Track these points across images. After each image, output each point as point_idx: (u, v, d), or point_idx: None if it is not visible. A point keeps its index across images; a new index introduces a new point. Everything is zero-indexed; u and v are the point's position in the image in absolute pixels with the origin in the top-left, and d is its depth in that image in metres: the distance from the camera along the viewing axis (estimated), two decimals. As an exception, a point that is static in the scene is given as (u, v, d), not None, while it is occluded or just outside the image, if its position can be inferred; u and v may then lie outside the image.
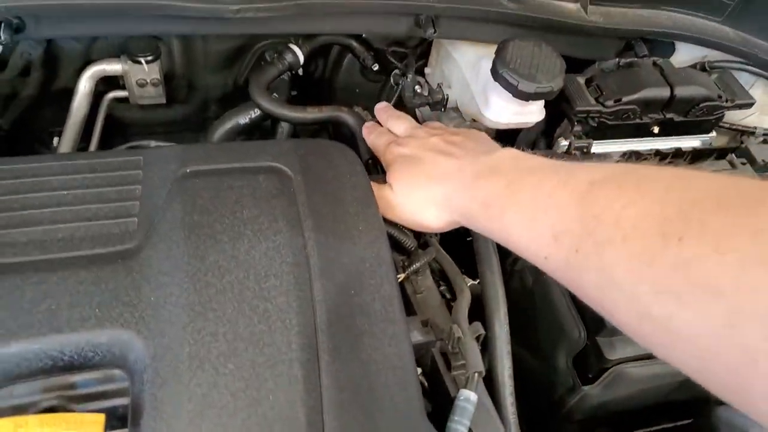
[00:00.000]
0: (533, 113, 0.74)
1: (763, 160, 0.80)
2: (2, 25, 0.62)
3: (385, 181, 0.67)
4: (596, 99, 0.76)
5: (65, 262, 0.51)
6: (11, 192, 0.54)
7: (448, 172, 0.61)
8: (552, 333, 0.69)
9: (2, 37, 0.62)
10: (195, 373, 0.46)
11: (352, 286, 0.53)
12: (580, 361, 0.67)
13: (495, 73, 0.69)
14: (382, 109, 0.79)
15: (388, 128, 0.75)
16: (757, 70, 0.85)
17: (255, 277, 0.51)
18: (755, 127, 0.88)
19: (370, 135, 0.76)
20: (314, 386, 0.48)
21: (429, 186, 0.62)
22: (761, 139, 0.88)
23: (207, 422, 0.45)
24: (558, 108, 0.78)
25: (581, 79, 0.78)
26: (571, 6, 0.79)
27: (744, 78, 0.88)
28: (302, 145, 0.62)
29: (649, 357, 0.64)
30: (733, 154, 0.82)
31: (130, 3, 0.62)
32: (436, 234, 0.74)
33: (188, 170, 0.57)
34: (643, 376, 0.65)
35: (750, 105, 0.82)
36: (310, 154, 0.61)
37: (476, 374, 0.54)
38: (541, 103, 0.74)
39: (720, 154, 0.84)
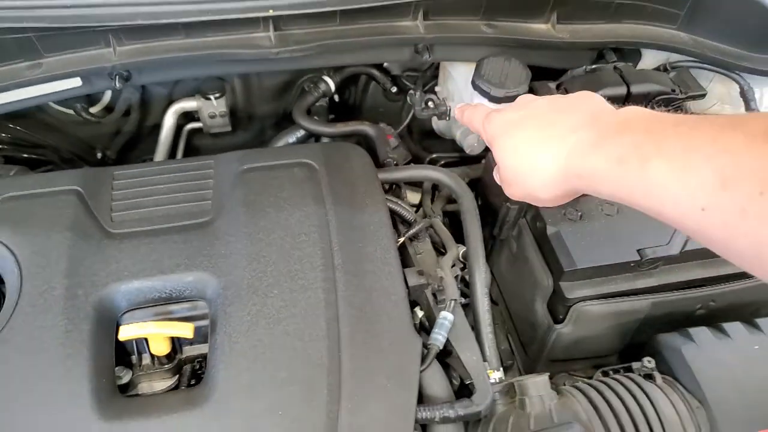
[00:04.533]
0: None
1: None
2: (117, 76, 0.88)
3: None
4: (563, 99, 0.94)
5: (164, 230, 0.74)
6: (128, 187, 0.79)
7: (562, 133, 0.54)
8: (530, 284, 0.86)
9: (117, 85, 0.88)
10: (251, 297, 0.68)
11: (360, 240, 0.74)
12: (551, 305, 0.84)
13: (473, 84, 0.89)
14: (459, 108, 0.72)
15: (466, 121, 0.69)
16: (710, 66, 1.00)
17: (291, 234, 0.73)
18: (716, 114, 1.03)
19: (464, 113, 0.69)
20: (332, 305, 0.68)
21: (539, 150, 0.55)
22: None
23: (259, 328, 0.66)
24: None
25: (552, 84, 0.96)
26: (542, 26, 0.98)
27: (704, 74, 1.03)
28: (327, 147, 0.85)
29: (604, 296, 0.81)
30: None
31: (202, 54, 0.87)
32: (435, 213, 0.94)
33: (245, 167, 0.80)
34: (602, 313, 0.81)
35: (702, 96, 0.97)
36: (332, 152, 0.84)
37: (452, 301, 0.73)
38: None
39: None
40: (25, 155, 1.19)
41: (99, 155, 1.27)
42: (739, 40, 0.97)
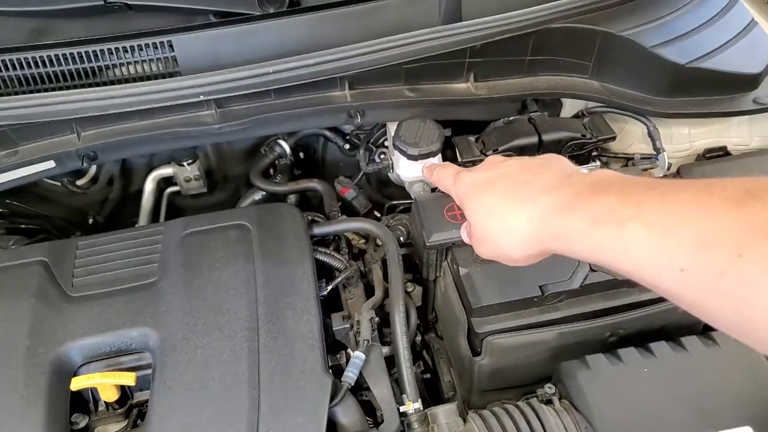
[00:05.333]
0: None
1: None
2: (84, 157, 1.02)
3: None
4: (481, 151, 1.04)
5: (115, 292, 0.86)
6: (89, 255, 0.91)
7: (535, 193, 0.55)
8: (453, 321, 0.94)
9: (85, 165, 1.02)
10: (183, 347, 0.79)
11: (283, 291, 0.84)
12: (469, 340, 0.92)
13: (394, 145, 1.00)
14: (428, 168, 0.75)
15: (434, 181, 0.73)
16: (619, 111, 1.09)
17: (221, 290, 0.84)
18: (635, 154, 1.11)
19: (432, 172, 0.71)
20: (254, 352, 0.78)
21: (513, 210, 0.56)
22: (641, 162, 1.10)
23: (189, 374, 0.77)
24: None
25: (472, 138, 1.07)
26: (461, 86, 1.09)
27: (622, 117, 1.12)
28: (261, 209, 0.96)
29: (512, 329, 0.88)
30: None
31: (154, 133, 1.00)
32: (374, 260, 1.04)
33: (187, 231, 0.92)
34: (512, 345, 0.88)
35: (612, 138, 1.06)
36: (266, 213, 0.95)
37: (365, 341, 0.82)
38: (435, 159, 1.03)
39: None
40: (23, 226, 1.33)
41: (90, 221, 1.41)
42: (641, 86, 1.06)
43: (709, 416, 0.75)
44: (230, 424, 0.73)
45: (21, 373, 0.77)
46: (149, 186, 1.36)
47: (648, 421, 0.76)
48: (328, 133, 1.28)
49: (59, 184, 1.32)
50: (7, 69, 0.94)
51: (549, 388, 0.83)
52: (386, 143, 1.30)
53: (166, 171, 1.35)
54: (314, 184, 1.17)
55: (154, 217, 1.40)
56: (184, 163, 1.33)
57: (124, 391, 0.82)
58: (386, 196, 1.42)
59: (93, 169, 1.33)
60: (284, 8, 1.01)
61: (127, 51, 0.93)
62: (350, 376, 0.79)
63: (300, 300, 0.84)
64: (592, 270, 0.88)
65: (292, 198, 1.32)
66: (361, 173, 1.32)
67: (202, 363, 0.78)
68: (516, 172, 0.60)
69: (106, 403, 0.81)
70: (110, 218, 1.43)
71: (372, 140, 1.26)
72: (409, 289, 1.05)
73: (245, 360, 0.78)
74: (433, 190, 1.21)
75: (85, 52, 0.93)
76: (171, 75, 0.96)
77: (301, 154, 1.40)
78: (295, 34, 0.98)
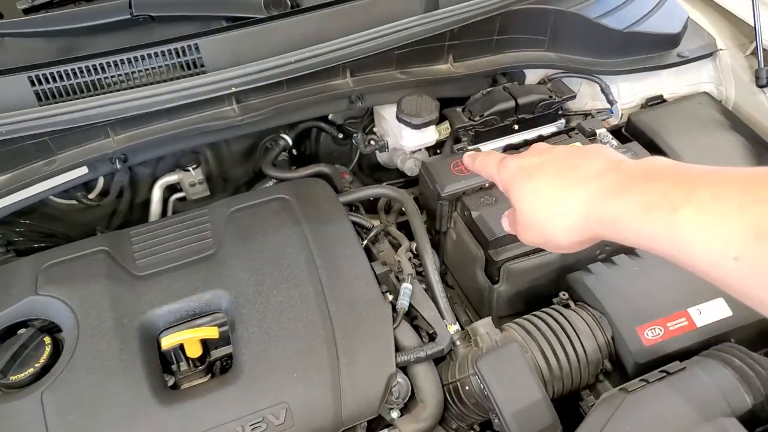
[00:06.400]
0: (429, 136, 1.20)
1: (590, 128, 1.22)
2: (116, 160, 1.11)
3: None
4: (468, 118, 1.21)
5: (180, 266, 0.96)
6: (144, 240, 1.00)
7: (585, 177, 0.54)
8: (470, 259, 1.10)
9: (118, 166, 1.11)
10: (257, 299, 0.90)
11: (333, 245, 0.97)
12: (487, 271, 1.08)
13: (398, 118, 1.15)
14: (467, 156, 0.73)
15: (476, 169, 0.70)
16: (575, 75, 1.29)
17: (279, 249, 0.96)
18: (591, 110, 1.31)
19: (474, 160, 0.70)
20: (320, 293, 0.91)
21: (561, 194, 0.55)
22: (598, 115, 1.30)
23: (267, 319, 0.88)
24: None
25: (459, 109, 1.24)
26: (443, 66, 1.26)
27: (575, 80, 1.32)
28: (296, 183, 1.09)
29: (524, 255, 1.05)
30: (575, 131, 1.25)
31: (182, 130, 1.10)
32: (390, 222, 1.18)
33: (233, 209, 1.03)
34: (525, 268, 1.05)
35: (573, 97, 1.25)
36: (301, 187, 1.08)
37: (409, 275, 0.96)
38: (432, 128, 1.19)
39: (568, 132, 1.27)
40: (36, 245, 1.38)
41: (99, 234, 1.47)
42: (589, 52, 1.27)
43: (689, 295, 0.94)
44: (313, 356, 0.85)
45: (114, 341, 0.86)
46: (156, 194, 1.44)
47: (644, 304, 0.94)
48: (324, 125, 1.42)
49: (72, 201, 1.38)
50: (40, 83, 1.03)
51: (563, 295, 1.00)
52: (375, 129, 1.45)
53: (173, 178, 1.44)
54: (322, 167, 1.30)
55: (160, 224, 1.48)
56: (190, 168, 1.43)
57: (204, 349, 0.91)
58: (376, 179, 1.57)
59: (101, 182, 1.40)
60: (287, 10, 1.15)
61: (157, 56, 1.04)
62: (403, 303, 0.93)
63: (348, 249, 0.97)
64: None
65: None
66: (356, 159, 1.47)
67: (276, 309, 0.89)
68: (564, 158, 0.58)
69: (189, 359, 0.91)
70: (117, 230, 1.50)
71: (364, 127, 1.41)
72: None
73: (314, 301, 0.90)
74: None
75: (120, 60, 1.03)
76: (198, 75, 1.07)
77: (294, 151, 1.53)
78: (300, 31, 1.12)
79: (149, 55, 1.04)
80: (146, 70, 1.05)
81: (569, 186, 0.54)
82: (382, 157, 1.51)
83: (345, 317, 0.89)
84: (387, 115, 1.31)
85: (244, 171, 1.53)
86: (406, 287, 0.94)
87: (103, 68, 1.03)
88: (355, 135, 1.38)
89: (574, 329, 0.92)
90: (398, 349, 0.89)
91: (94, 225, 1.47)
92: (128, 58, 1.03)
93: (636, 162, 0.53)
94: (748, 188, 0.43)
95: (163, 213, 1.48)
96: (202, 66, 1.07)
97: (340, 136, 1.45)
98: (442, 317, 0.97)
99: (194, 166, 1.43)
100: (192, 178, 1.44)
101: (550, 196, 0.56)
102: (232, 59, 1.08)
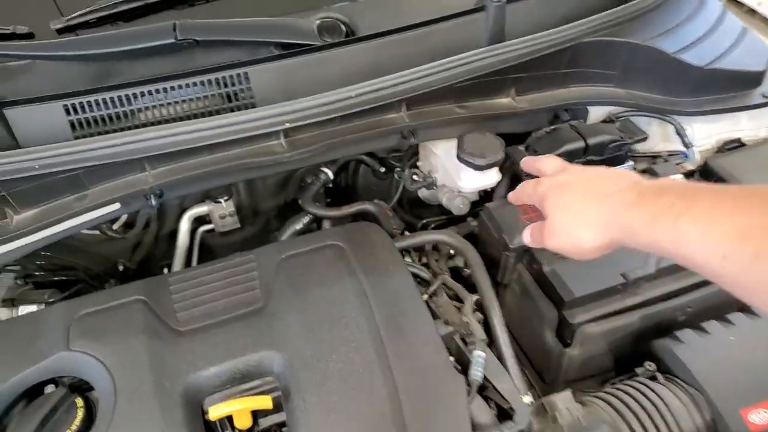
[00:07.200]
0: (491, 178, 1.10)
1: (664, 173, 1.13)
2: (152, 196, 1.01)
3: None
4: (534, 158, 1.11)
5: (226, 321, 0.86)
6: (184, 289, 0.90)
7: (608, 192, 0.65)
8: (537, 318, 1.00)
9: (153, 203, 1.01)
10: (315, 363, 0.80)
11: (394, 301, 0.87)
12: (559, 332, 0.98)
13: (459, 158, 1.06)
14: (527, 159, 0.84)
15: (538, 168, 0.80)
16: (646, 113, 1.20)
17: (335, 305, 0.86)
18: (661, 152, 1.22)
19: (514, 193, 0.82)
20: (384, 359, 0.81)
21: (587, 206, 0.66)
22: (670, 159, 1.21)
23: (328, 388, 0.78)
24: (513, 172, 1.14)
25: (522, 147, 1.14)
26: (504, 100, 1.17)
27: (643, 120, 1.23)
28: (347, 229, 0.99)
29: (602, 317, 0.95)
30: (646, 175, 1.16)
31: (225, 166, 1.01)
32: (443, 270, 1.08)
33: (283, 256, 0.93)
34: (602, 331, 0.95)
35: (645, 138, 1.16)
36: (355, 232, 0.98)
37: (482, 341, 0.86)
38: (495, 169, 1.10)
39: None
40: (56, 278, 1.28)
41: (121, 268, 1.37)
42: (663, 89, 1.17)
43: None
44: (378, 432, 0.75)
45: (155, 407, 0.76)
46: (184, 226, 1.35)
47: (747, 382, 0.83)
48: (365, 158, 1.33)
49: (95, 231, 1.28)
50: (75, 112, 0.94)
51: (650, 366, 0.89)
52: (419, 163, 1.36)
53: (202, 209, 1.34)
54: (367, 206, 1.20)
55: (187, 258, 1.38)
56: (221, 200, 1.33)
57: (253, 419, 0.81)
58: (416, 216, 1.47)
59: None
60: (342, 38, 1.06)
61: (203, 84, 0.95)
62: (477, 374, 0.83)
63: (411, 307, 0.87)
64: (660, 255, 0.97)
65: (326, 225, 1.35)
66: (398, 194, 1.37)
67: (337, 377, 0.79)
68: (593, 177, 0.70)
69: (235, 429, 0.80)
70: (141, 263, 1.40)
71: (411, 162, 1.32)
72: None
73: (377, 368, 0.80)
74: (474, 204, 1.28)
75: (163, 88, 0.94)
76: (246, 107, 0.98)
77: (330, 184, 1.44)
78: (358, 61, 1.03)
79: (194, 83, 0.95)
80: (190, 99, 0.96)
81: (595, 198, 0.66)
82: (423, 193, 1.42)
83: (413, 390, 0.78)
84: (438, 151, 1.22)
85: (276, 203, 1.44)
86: (479, 356, 0.84)
87: (143, 95, 0.94)
88: (399, 170, 1.28)
89: (668, 409, 0.82)
90: (472, 428, 0.79)
91: (116, 257, 1.38)
92: (171, 86, 0.94)
93: (651, 182, 0.64)
94: (736, 201, 0.53)
95: (189, 246, 1.38)
96: (252, 97, 0.98)
97: (382, 170, 1.36)
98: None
99: (226, 198, 1.33)
100: (223, 210, 1.35)
101: (579, 207, 0.67)
102: (284, 91, 0.99)
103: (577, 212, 0.67)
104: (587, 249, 0.67)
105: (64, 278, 1.29)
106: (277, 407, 0.81)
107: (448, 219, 1.41)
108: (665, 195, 0.59)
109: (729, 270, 0.52)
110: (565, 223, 0.69)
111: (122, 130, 0.96)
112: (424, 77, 1.04)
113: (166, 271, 1.42)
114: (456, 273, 1.13)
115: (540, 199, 0.73)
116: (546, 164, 0.78)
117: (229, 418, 0.79)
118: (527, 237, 0.79)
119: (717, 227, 0.53)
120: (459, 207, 1.30)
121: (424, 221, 1.45)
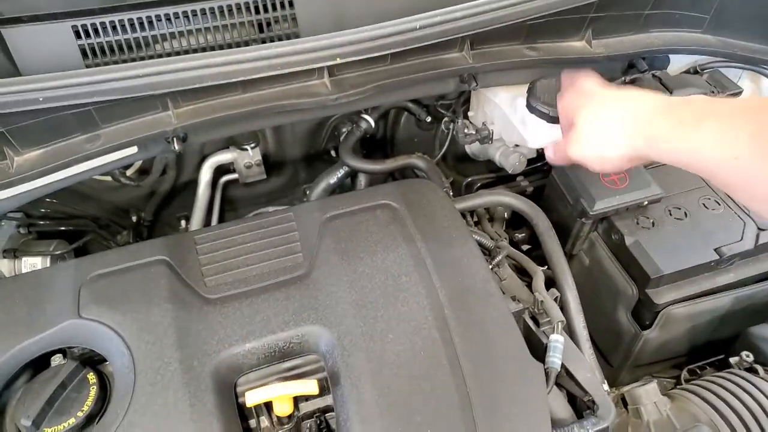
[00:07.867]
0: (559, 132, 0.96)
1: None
2: (174, 139, 0.88)
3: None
4: (611, 112, 0.97)
5: (262, 289, 0.74)
6: (213, 250, 0.78)
7: (637, 103, 0.66)
8: (610, 295, 0.88)
9: (176, 148, 0.88)
10: (369, 345, 0.68)
11: (458, 274, 0.75)
12: (636, 313, 0.86)
13: (530, 107, 0.91)
14: (567, 72, 0.87)
15: (578, 83, 0.80)
16: (739, 64, 1.04)
17: (391, 277, 0.73)
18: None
19: (561, 105, 0.83)
20: (449, 342, 0.69)
21: (616, 117, 0.66)
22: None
23: (384, 375, 0.66)
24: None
25: (596, 98, 0.99)
26: (578, 44, 1.01)
27: (733, 72, 1.08)
28: (401, 186, 0.85)
29: (691, 298, 0.82)
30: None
31: (261, 107, 0.87)
32: (501, 237, 0.96)
33: (328, 215, 0.80)
34: (688, 314, 0.83)
35: (739, 93, 1.01)
36: (407, 191, 0.84)
37: (559, 323, 0.74)
38: (565, 123, 0.95)
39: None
40: (62, 228, 1.16)
41: (134, 218, 1.25)
42: (764, 37, 1.01)
43: None
44: (444, 427, 0.63)
45: (182, 393, 0.64)
46: (206, 176, 1.22)
47: None
48: (411, 105, 1.18)
49: (107, 177, 1.15)
50: (88, 35, 0.79)
51: (747, 356, 0.78)
52: (470, 113, 1.21)
53: (225, 157, 1.21)
54: (414, 160, 1.07)
55: (208, 210, 1.26)
56: (248, 147, 1.19)
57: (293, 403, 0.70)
58: (459, 172, 1.34)
59: (141, 157, 1.17)
60: (400, -40, 0.89)
61: (239, 9, 0.80)
62: (555, 361, 0.71)
63: (479, 281, 0.74)
64: (759, 228, 0.84)
65: (362, 181, 1.21)
66: (444, 148, 1.23)
67: (394, 361, 0.67)
68: (629, 94, 0.70)
69: (271, 418, 0.69)
70: (156, 214, 1.28)
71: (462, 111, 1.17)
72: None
73: (442, 353, 0.68)
74: (530, 162, 1.14)
75: (192, 10, 0.79)
76: (288, 37, 0.83)
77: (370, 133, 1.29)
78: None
79: (229, 7, 0.80)
80: (224, 26, 0.81)
81: (624, 107, 0.66)
82: (472, 148, 1.28)
83: (484, 378, 0.67)
84: (498, 99, 1.07)
85: (305, 152, 1.30)
86: (557, 341, 0.72)
87: (168, 19, 0.79)
88: (451, 120, 1.14)
89: (776, 409, 0.70)
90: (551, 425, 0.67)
91: (128, 207, 1.25)
92: (201, 9, 0.79)
93: (680, 97, 0.70)
94: (757, 107, 0.55)
95: (210, 197, 1.26)
96: (296, 27, 0.83)
97: (428, 119, 1.21)
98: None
99: (253, 145, 1.20)
100: (249, 158, 1.22)
101: (608, 118, 0.67)
102: (334, 20, 0.83)
103: (606, 122, 0.67)
104: (610, 158, 0.67)
105: (71, 228, 1.17)
106: (321, 390, 0.70)
107: (496, 177, 1.28)
108: (692, 103, 0.61)
109: (739, 172, 0.53)
110: (592, 131, 0.69)
111: (142, 59, 0.81)
112: (499, 9, 0.87)
113: (183, 223, 1.30)
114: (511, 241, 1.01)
115: (575, 109, 0.73)
116: (586, 79, 0.79)
117: (267, 403, 0.68)
118: (549, 152, 0.80)
119: (733, 130, 0.54)
120: (514, 164, 1.16)
121: (469, 179, 1.31)
